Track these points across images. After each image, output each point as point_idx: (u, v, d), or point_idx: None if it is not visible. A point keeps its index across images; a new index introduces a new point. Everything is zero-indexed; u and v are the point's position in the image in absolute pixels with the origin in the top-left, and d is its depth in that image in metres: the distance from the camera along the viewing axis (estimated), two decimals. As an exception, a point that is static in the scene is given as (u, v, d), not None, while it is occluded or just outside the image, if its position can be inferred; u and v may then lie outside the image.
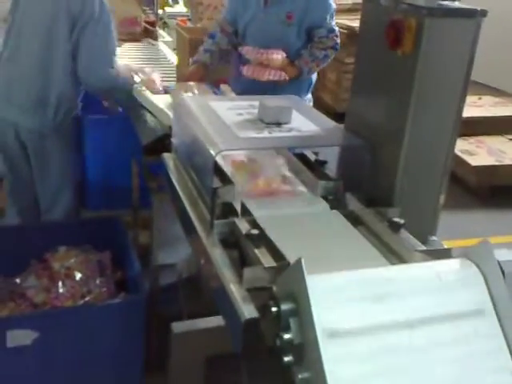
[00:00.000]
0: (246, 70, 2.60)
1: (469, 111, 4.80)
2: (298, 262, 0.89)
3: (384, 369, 0.89)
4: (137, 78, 2.45)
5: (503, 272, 1.02)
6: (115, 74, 2.38)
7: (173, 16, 5.33)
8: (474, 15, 1.34)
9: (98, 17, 2.28)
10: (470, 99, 5.16)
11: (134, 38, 4.17)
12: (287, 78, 2.61)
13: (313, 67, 2.75)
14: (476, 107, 5.06)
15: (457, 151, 4.28)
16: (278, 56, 2.56)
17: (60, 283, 2.11)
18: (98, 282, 2.16)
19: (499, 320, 0.99)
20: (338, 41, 2.79)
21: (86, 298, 2.09)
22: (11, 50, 2.36)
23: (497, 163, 4.27)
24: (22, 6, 2.33)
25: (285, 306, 0.91)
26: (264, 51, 2.55)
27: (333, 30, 2.74)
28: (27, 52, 2.32)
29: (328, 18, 2.73)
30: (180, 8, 5.76)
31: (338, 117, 1.74)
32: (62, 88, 2.36)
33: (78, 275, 2.15)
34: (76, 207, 2.64)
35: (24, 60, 2.34)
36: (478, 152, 4.45)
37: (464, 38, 1.34)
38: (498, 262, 1.02)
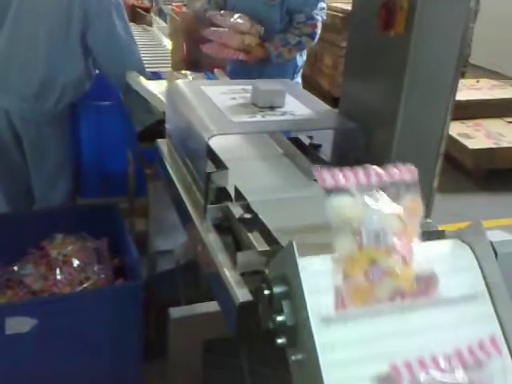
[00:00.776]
0: (206, 48, 2.62)
1: (466, 94, 4.79)
2: (290, 244, 0.89)
3: (377, 351, 0.89)
4: None
5: (496, 253, 1.02)
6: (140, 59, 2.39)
7: (168, 2, 5.30)
8: (467, -5, 1.32)
9: (114, 8, 2.26)
10: (468, 82, 5.15)
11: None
12: (245, 58, 2.61)
13: (283, 52, 2.71)
14: (474, 90, 5.04)
15: (454, 134, 4.27)
16: (242, 22, 2.56)
17: (58, 270, 2.12)
18: (95, 268, 2.17)
19: (492, 302, 0.99)
20: (318, 31, 2.76)
21: (84, 285, 2.10)
22: (7, 37, 2.28)
23: (495, 146, 4.27)
24: None
25: (277, 289, 0.91)
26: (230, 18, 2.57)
27: (312, 18, 2.71)
28: (29, 40, 2.26)
29: (311, 4, 2.70)
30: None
31: (334, 101, 1.74)
32: (71, 78, 2.34)
33: (76, 262, 2.15)
34: (72, 195, 2.64)
35: (25, 48, 2.27)
36: (476, 135, 4.44)
37: (457, 19, 1.33)
38: (491, 243, 1.03)
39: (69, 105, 2.46)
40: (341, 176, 0.95)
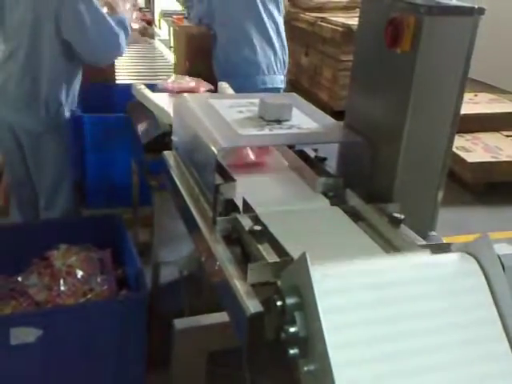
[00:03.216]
0: None
1: (465, 108, 4.79)
2: (303, 256, 0.91)
3: (389, 360, 0.91)
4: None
5: (503, 266, 1.04)
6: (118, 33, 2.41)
7: (168, 14, 5.35)
8: (471, 13, 1.35)
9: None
10: (467, 96, 5.16)
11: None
12: None
13: None
14: (472, 104, 5.08)
15: (453, 148, 4.29)
16: None
17: (61, 281, 2.12)
18: (99, 279, 2.18)
19: (500, 315, 1.00)
20: None
21: (88, 296, 2.10)
22: (5, 51, 2.37)
23: (493, 160, 4.30)
24: (8, 6, 2.32)
25: (290, 300, 0.93)
26: None
27: None
28: (17, 52, 2.33)
29: None
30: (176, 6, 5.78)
31: (334, 115, 1.76)
32: (51, 85, 2.37)
33: (80, 273, 2.16)
34: (75, 206, 2.65)
35: (14, 60, 2.34)
36: (474, 149, 4.47)
37: (462, 36, 1.36)
38: (498, 256, 1.04)
39: (66, 115, 2.48)
40: None
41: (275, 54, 3.03)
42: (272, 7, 2.99)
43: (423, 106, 1.39)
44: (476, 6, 1.36)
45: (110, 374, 1.99)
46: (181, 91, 2.22)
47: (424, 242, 1.28)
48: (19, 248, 2.23)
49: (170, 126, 1.91)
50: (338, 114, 1.71)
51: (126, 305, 1.98)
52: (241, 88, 2.43)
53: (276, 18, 3.04)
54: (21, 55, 2.32)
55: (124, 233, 2.28)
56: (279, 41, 3.04)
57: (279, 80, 3.04)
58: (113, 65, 3.02)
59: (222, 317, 1.61)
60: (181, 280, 2.38)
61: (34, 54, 2.31)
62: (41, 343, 1.81)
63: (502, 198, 4.13)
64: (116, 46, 2.41)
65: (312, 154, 1.72)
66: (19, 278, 2.18)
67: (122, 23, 2.45)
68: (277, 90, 3.00)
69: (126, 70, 3.76)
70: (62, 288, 2.11)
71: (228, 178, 1.45)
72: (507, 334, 0.98)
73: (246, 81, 2.85)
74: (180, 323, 1.93)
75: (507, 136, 4.76)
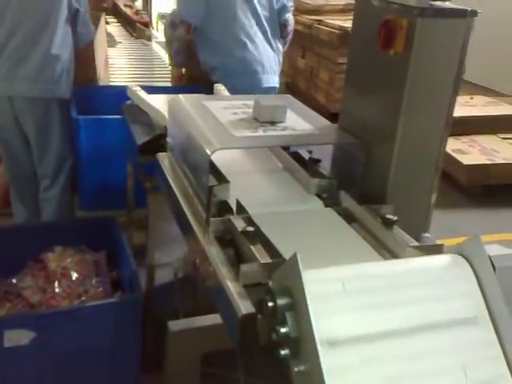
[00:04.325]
0: None
1: (461, 111, 4.83)
2: (294, 257, 0.91)
3: (379, 361, 0.91)
4: None
5: (494, 267, 1.04)
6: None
7: (164, 18, 5.36)
8: (464, 15, 1.36)
9: None
10: (463, 99, 5.20)
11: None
12: None
13: None
14: (468, 107, 5.09)
15: (449, 150, 4.30)
16: None
17: (56, 283, 2.12)
18: (93, 281, 2.17)
19: (491, 315, 1.01)
20: None
21: (82, 298, 2.10)
22: (12, 25, 2.41)
23: (489, 162, 4.30)
24: None
25: (281, 301, 0.93)
26: None
27: None
28: (29, 23, 2.40)
29: None
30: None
31: (331, 117, 1.76)
32: (62, 53, 2.49)
33: (74, 275, 2.16)
34: (71, 191, 2.73)
35: (32, 22, 2.41)
36: (471, 151, 4.48)
37: (455, 38, 1.37)
38: (489, 257, 1.05)
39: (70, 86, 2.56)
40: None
41: (273, 52, 3.07)
42: (265, 5, 3.02)
43: (416, 107, 1.40)
44: (469, 9, 1.37)
45: (105, 376, 1.98)
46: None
47: (417, 244, 1.28)
48: (14, 250, 2.23)
49: (165, 127, 1.91)
50: (334, 116, 1.71)
51: (121, 307, 1.98)
52: (240, 87, 2.46)
53: (271, 18, 3.07)
54: (36, 27, 2.41)
55: (119, 235, 2.28)
56: (275, 41, 3.07)
57: (276, 80, 3.07)
58: (94, 66, 3.02)
59: (216, 318, 1.60)
60: (175, 282, 2.38)
61: (47, 24, 2.41)
62: (35, 345, 1.80)
63: (498, 201, 4.14)
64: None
65: (306, 156, 1.72)
66: (14, 280, 2.18)
67: None
68: (273, 89, 3.02)
69: (122, 72, 3.76)
70: (57, 290, 2.10)
71: (222, 179, 1.45)
72: (498, 335, 0.98)
73: (245, 79, 2.88)
74: (174, 325, 1.93)
75: (503, 138, 4.77)
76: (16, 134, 2.56)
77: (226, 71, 2.87)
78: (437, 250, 1.23)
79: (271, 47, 3.06)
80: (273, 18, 3.06)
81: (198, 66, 3.01)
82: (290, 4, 3.14)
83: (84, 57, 2.74)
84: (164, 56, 4.02)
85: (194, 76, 3.16)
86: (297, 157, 1.72)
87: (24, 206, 2.71)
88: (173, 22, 2.95)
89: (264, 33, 3.01)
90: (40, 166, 2.64)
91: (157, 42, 4.52)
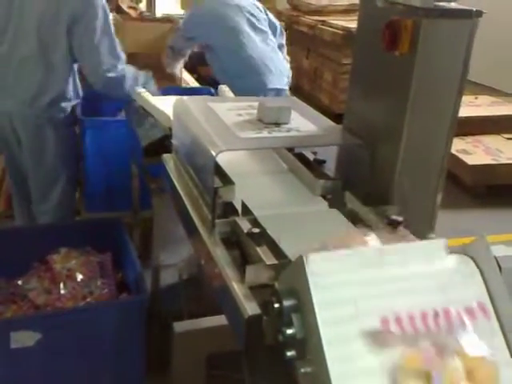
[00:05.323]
0: None
1: (466, 111, 4.82)
2: (300, 258, 0.91)
3: (386, 363, 0.91)
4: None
5: (500, 267, 1.04)
6: (120, 75, 2.40)
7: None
8: (469, 16, 1.36)
9: (100, 17, 2.31)
10: (467, 99, 5.19)
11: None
12: None
13: None
14: (473, 107, 5.08)
15: (454, 151, 4.30)
16: None
17: (61, 285, 2.12)
18: (99, 283, 2.18)
19: (497, 316, 1.00)
20: None
21: (88, 299, 2.10)
22: (9, 45, 2.36)
23: (493, 162, 4.29)
24: (17, 2, 2.32)
25: (287, 302, 0.93)
26: None
27: None
28: (27, 48, 2.33)
29: None
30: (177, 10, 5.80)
31: (335, 118, 1.76)
32: (61, 85, 2.40)
33: (80, 276, 2.16)
34: (70, 201, 2.67)
35: (23, 56, 2.35)
36: (475, 151, 4.47)
37: (460, 39, 1.36)
38: (495, 258, 1.04)
39: (67, 111, 2.50)
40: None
41: (282, 53, 3.12)
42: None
43: (422, 108, 1.40)
44: (474, 9, 1.36)
45: (110, 378, 1.99)
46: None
47: (422, 244, 1.28)
48: (19, 252, 2.23)
49: (170, 129, 1.92)
50: (338, 117, 1.72)
51: (126, 308, 1.98)
52: (250, 88, 2.48)
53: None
54: (33, 54, 2.34)
55: (124, 236, 2.28)
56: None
57: (285, 81, 3.11)
58: None
59: (221, 319, 1.61)
60: (180, 283, 2.38)
61: (47, 54, 2.34)
62: (40, 347, 1.81)
63: (503, 201, 4.13)
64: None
65: (311, 157, 1.72)
66: (19, 282, 2.18)
67: (135, 76, 2.48)
68: (283, 91, 3.06)
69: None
70: (62, 291, 2.11)
71: (227, 181, 1.46)
72: (504, 336, 0.98)
73: (256, 80, 2.92)
74: (179, 326, 1.93)
75: (508, 139, 4.76)
76: (16, 146, 2.52)
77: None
78: (442, 250, 1.22)
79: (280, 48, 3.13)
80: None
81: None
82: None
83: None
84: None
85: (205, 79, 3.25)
86: (301, 158, 1.72)
87: (23, 214, 2.70)
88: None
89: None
90: (31, 179, 2.58)
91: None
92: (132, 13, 5.91)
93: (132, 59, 2.60)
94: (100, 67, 2.36)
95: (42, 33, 2.30)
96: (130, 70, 2.46)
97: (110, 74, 2.37)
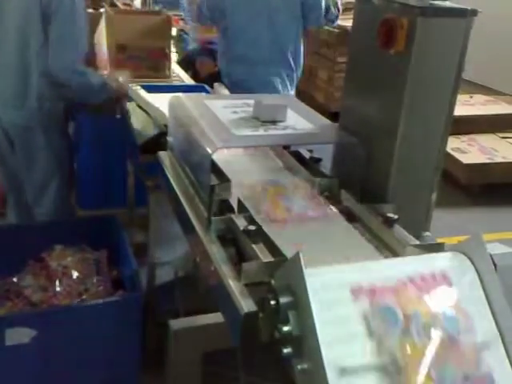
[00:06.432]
0: None
1: (460, 110, 4.81)
2: (297, 255, 0.91)
3: (382, 360, 0.91)
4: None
5: (495, 265, 1.05)
6: (82, 69, 2.36)
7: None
8: (464, 15, 1.36)
9: (68, 10, 2.26)
10: (462, 98, 5.20)
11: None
12: None
13: None
14: (468, 105, 5.09)
15: (449, 149, 4.30)
16: None
17: (57, 282, 2.12)
18: (94, 280, 2.18)
19: (492, 313, 1.01)
20: None
21: (83, 297, 2.10)
22: None
23: (488, 161, 4.31)
24: None
25: (283, 299, 0.93)
26: None
27: None
28: (5, 50, 2.32)
29: None
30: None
31: (330, 116, 1.77)
32: (41, 85, 2.36)
33: (75, 274, 2.16)
34: (65, 205, 2.64)
35: (2, 58, 2.33)
36: (470, 150, 4.48)
37: (455, 37, 1.37)
38: (490, 255, 1.05)
39: (59, 112, 2.47)
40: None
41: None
42: None
43: (417, 106, 1.40)
44: (469, 8, 1.37)
45: (106, 375, 1.99)
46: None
47: (418, 242, 1.29)
48: (15, 249, 2.23)
49: (166, 126, 1.92)
50: (334, 116, 1.72)
51: (122, 305, 1.98)
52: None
53: None
54: (11, 54, 2.31)
55: (120, 234, 2.28)
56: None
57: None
58: (96, 67, 2.99)
59: (217, 317, 1.61)
60: (176, 280, 2.38)
61: (24, 54, 2.30)
62: (35, 344, 1.80)
63: (498, 200, 4.14)
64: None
65: (307, 155, 1.73)
66: (15, 279, 2.18)
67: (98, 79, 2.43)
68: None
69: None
70: (58, 289, 2.11)
71: (223, 178, 1.46)
72: (500, 332, 0.98)
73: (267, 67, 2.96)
74: (176, 324, 1.93)
75: (503, 137, 4.78)
76: (9, 149, 2.49)
77: None
78: (438, 248, 1.23)
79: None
80: None
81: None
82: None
83: (86, 59, 2.70)
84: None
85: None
86: (297, 156, 1.72)
87: (20, 215, 2.68)
88: None
89: None
90: (26, 181, 2.55)
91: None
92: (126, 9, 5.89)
93: (122, 51, 2.58)
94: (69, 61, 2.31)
95: (21, 33, 2.28)
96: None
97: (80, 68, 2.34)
